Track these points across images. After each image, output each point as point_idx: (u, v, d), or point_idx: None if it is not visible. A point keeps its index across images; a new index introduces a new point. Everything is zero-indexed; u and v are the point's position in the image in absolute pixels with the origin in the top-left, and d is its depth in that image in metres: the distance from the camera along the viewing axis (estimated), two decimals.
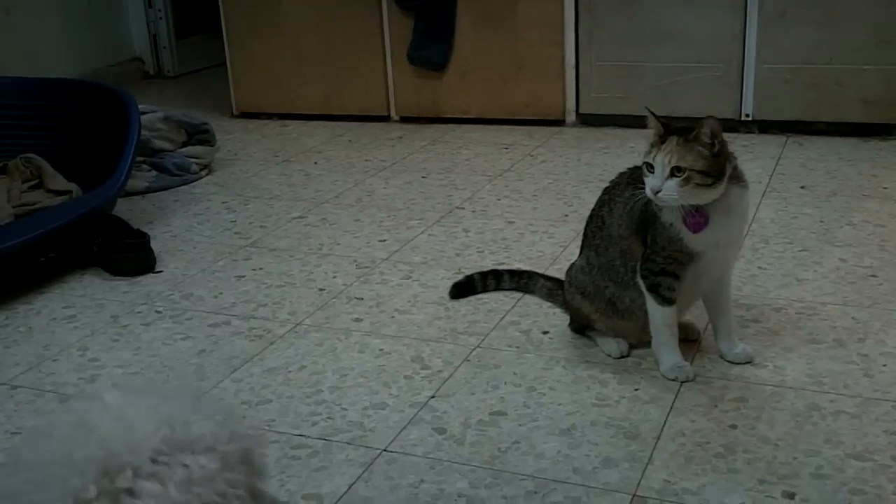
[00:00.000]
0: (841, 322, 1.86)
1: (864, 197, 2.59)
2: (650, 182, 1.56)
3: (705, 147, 1.54)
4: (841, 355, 1.73)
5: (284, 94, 3.81)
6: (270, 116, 3.85)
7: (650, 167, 1.57)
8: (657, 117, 1.60)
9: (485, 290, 2.07)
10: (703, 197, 1.55)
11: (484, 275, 2.08)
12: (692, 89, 3.31)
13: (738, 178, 1.61)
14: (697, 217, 1.57)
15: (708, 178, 1.54)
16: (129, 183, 2.60)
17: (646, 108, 1.64)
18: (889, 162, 2.90)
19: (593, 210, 1.79)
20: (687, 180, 1.53)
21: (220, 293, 2.14)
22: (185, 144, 3.09)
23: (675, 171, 1.53)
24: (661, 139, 1.57)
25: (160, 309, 2.07)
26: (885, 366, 1.69)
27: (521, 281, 2.06)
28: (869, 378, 1.65)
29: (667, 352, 1.70)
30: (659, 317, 1.68)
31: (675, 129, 1.58)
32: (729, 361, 1.72)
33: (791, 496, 1.35)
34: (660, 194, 1.54)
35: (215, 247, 2.44)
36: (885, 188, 2.66)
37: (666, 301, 1.66)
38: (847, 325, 1.85)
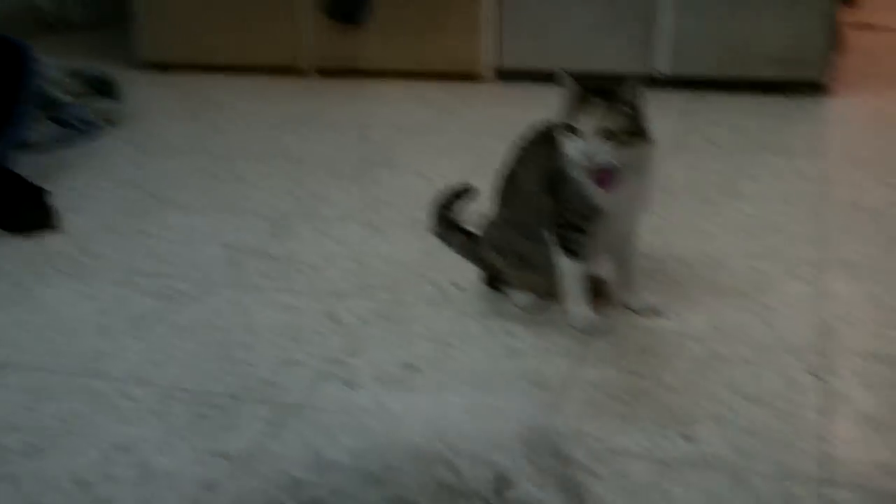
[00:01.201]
0: (742, 273, 1.92)
1: (768, 152, 2.66)
2: (577, 145, 1.56)
3: (630, 107, 1.56)
4: (741, 305, 1.79)
5: (194, 45, 3.71)
6: (180, 69, 3.75)
7: (573, 129, 1.56)
8: (574, 78, 1.59)
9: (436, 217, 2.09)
10: (627, 155, 1.57)
11: (443, 206, 2.10)
12: (606, 46, 3.33)
13: (650, 139, 1.63)
14: (607, 175, 1.59)
15: (633, 137, 1.56)
16: (28, 137, 2.52)
17: (561, 69, 1.64)
18: (793, 118, 2.98)
19: (506, 165, 1.79)
20: (614, 141, 1.54)
21: (125, 251, 2.09)
22: (89, 98, 2.99)
23: (603, 134, 1.54)
24: (583, 101, 1.57)
25: (62, 267, 2.01)
26: (782, 314, 1.75)
27: (445, 229, 2.07)
28: (767, 326, 1.71)
29: (576, 304, 1.73)
30: (571, 270, 1.70)
31: (594, 89, 1.58)
32: (634, 312, 1.76)
33: (691, 439, 1.39)
34: (590, 156, 1.55)
35: (120, 203, 2.38)
36: (787, 144, 2.73)
37: (576, 255, 1.68)
38: (748, 275, 1.91)
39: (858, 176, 2.45)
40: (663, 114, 3.02)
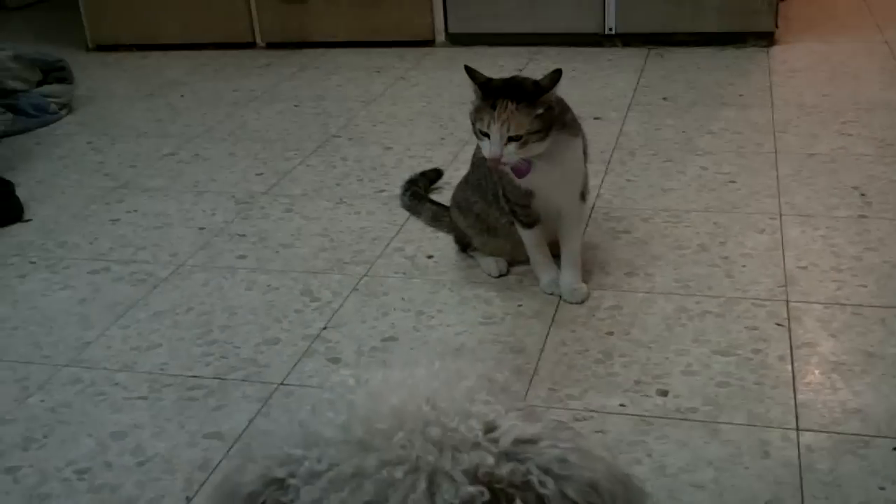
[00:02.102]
0: (704, 228, 1.98)
1: (722, 105, 2.72)
2: (488, 149, 1.56)
3: (540, 107, 1.55)
4: (704, 259, 1.85)
5: (141, 23, 3.67)
6: (129, 48, 3.71)
7: (484, 133, 1.57)
8: (476, 79, 1.59)
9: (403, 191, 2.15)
10: (536, 150, 1.58)
11: (410, 181, 2.16)
12: (557, 6, 3.36)
13: (564, 125, 1.63)
14: (522, 167, 1.62)
15: (541, 134, 1.57)
16: None
17: (465, 66, 1.64)
18: (744, 70, 3.04)
19: None
20: (524, 143, 1.56)
21: (96, 239, 2.10)
22: (40, 84, 2.96)
23: (512, 138, 1.55)
24: (491, 104, 1.56)
25: (34, 259, 2.02)
26: (744, 266, 1.81)
27: (414, 200, 2.11)
28: (730, 279, 1.77)
29: (542, 269, 1.78)
30: (525, 238, 1.75)
31: (501, 87, 1.57)
32: (559, 296, 1.75)
33: (664, 393, 1.45)
34: (502, 159, 1.56)
35: (85, 190, 2.38)
36: (741, 95, 2.79)
37: (525, 224, 1.73)
38: (709, 230, 1.97)
39: (810, 124, 2.52)
40: (617, 72, 3.07)
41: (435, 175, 2.24)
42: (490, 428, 0.67)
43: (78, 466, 1.36)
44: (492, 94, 1.57)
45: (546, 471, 0.65)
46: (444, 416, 0.67)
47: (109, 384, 1.55)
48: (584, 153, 1.73)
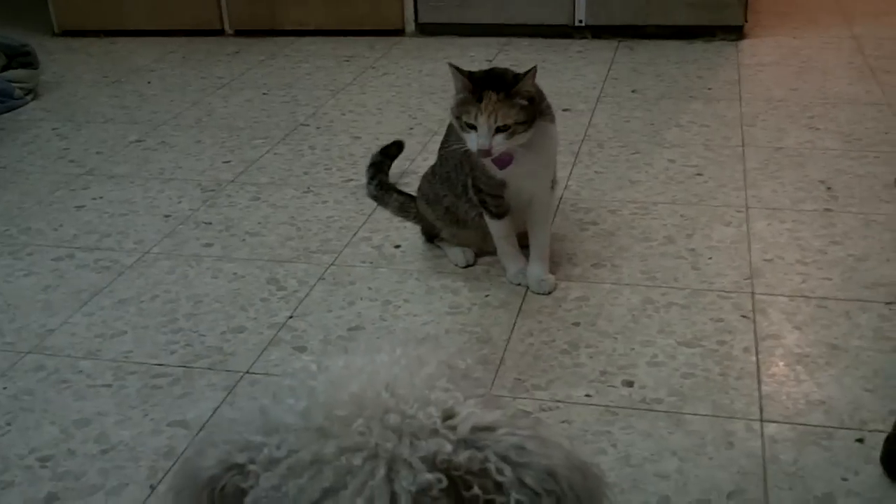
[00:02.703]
0: (670, 220, 1.99)
1: (691, 98, 2.73)
2: (476, 141, 1.57)
3: (524, 98, 1.56)
4: (671, 251, 1.86)
5: (108, 8, 3.62)
6: (95, 34, 3.66)
7: (470, 126, 1.57)
8: (461, 72, 1.59)
9: (367, 178, 2.15)
10: (521, 140, 1.59)
11: (374, 166, 2.14)
12: None
13: (542, 114, 1.64)
14: (505, 158, 1.63)
15: (526, 125, 1.58)
16: None
17: (449, 63, 1.64)
18: (713, 63, 3.06)
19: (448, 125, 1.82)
20: (512, 134, 1.56)
21: (61, 225, 2.07)
22: (5, 68, 2.92)
23: (500, 128, 1.56)
24: (476, 96, 1.56)
25: None
26: (710, 258, 1.83)
27: (380, 191, 2.10)
28: (696, 271, 1.79)
29: (510, 260, 1.78)
30: (494, 229, 1.75)
31: (485, 80, 1.57)
32: (526, 286, 1.75)
33: (630, 384, 1.46)
34: (490, 152, 1.57)
35: (50, 177, 2.35)
36: (709, 89, 2.81)
37: (495, 215, 1.73)
38: (676, 222, 1.98)
39: (777, 118, 2.54)
40: (587, 64, 3.08)
41: (396, 150, 2.21)
42: (448, 415, 0.67)
43: (41, 454, 1.34)
44: (477, 86, 1.57)
45: (504, 458, 0.66)
46: (403, 402, 0.67)
47: (73, 371, 1.54)
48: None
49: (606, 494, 0.71)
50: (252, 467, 0.67)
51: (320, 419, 0.67)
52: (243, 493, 0.68)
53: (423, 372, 0.71)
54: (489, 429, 0.67)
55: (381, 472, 0.63)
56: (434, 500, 0.63)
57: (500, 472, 0.65)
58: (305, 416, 0.68)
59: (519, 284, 1.76)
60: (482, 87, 1.56)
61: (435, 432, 0.65)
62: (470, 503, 0.65)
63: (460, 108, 1.59)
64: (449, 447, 0.65)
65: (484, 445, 0.66)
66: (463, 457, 0.65)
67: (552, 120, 1.68)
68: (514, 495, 0.65)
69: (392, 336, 1.59)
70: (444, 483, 0.63)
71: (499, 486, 0.65)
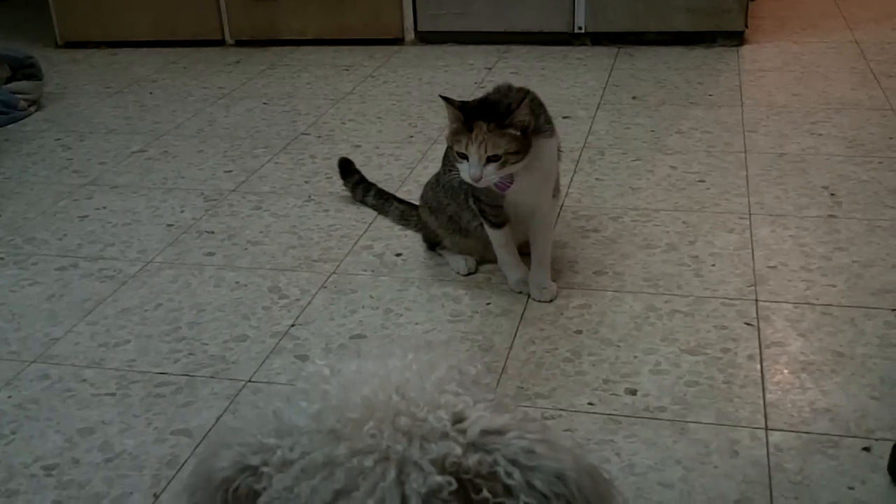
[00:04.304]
0: (673, 227, 1.99)
1: (692, 105, 2.74)
2: (468, 171, 1.56)
3: (516, 129, 1.56)
4: (673, 258, 1.86)
5: (111, 20, 3.64)
6: (98, 45, 3.67)
7: (462, 155, 1.57)
8: (453, 103, 1.59)
9: (355, 195, 2.15)
10: (515, 168, 1.59)
11: (357, 182, 2.14)
12: (527, 5, 3.37)
13: (540, 131, 1.63)
14: (504, 181, 1.62)
15: (519, 155, 1.57)
16: None
17: (440, 95, 1.64)
18: (713, 69, 3.07)
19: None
20: (503, 164, 1.56)
21: (65, 235, 2.08)
22: (9, 80, 2.93)
23: (491, 158, 1.55)
24: (467, 126, 1.56)
25: (2, 255, 1.99)
26: (713, 265, 1.83)
27: (380, 200, 2.10)
28: (699, 278, 1.79)
29: (511, 268, 1.78)
30: (493, 238, 1.76)
31: (478, 109, 1.57)
32: (528, 294, 1.75)
33: (633, 392, 1.46)
34: (480, 181, 1.56)
35: (54, 187, 2.35)
36: (710, 95, 2.81)
37: (494, 225, 1.73)
38: (678, 229, 1.98)
39: (780, 124, 2.55)
40: (588, 69, 3.08)
41: (350, 164, 2.17)
42: (458, 419, 0.67)
43: (45, 463, 1.34)
44: (468, 116, 1.56)
45: (513, 462, 0.66)
46: (414, 406, 0.68)
47: (77, 380, 1.54)
48: (558, 150, 1.74)
49: (616, 498, 0.71)
50: (265, 469, 0.68)
51: (332, 422, 0.67)
52: (256, 494, 0.68)
53: (434, 376, 0.72)
54: (499, 432, 0.67)
55: (392, 474, 0.63)
56: (444, 503, 0.63)
57: (509, 475, 0.65)
58: (318, 419, 0.68)
59: (521, 292, 1.76)
60: (473, 117, 1.55)
61: (445, 435, 0.66)
62: None
63: (453, 138, 1.59)
64: (459, 450, 0.65)
65: (493, 449, 0.66)
66: (472, 460, 0.65)
67: (552, 134, 1.67)
68: (523, 498, 0.65)
69: (403, 341, 1.59)
70: (454, 486, 0.64)
71: (508, 490, 0.65)
